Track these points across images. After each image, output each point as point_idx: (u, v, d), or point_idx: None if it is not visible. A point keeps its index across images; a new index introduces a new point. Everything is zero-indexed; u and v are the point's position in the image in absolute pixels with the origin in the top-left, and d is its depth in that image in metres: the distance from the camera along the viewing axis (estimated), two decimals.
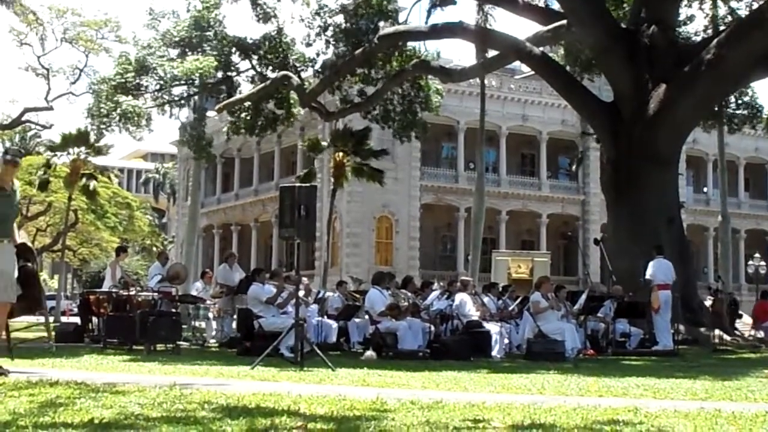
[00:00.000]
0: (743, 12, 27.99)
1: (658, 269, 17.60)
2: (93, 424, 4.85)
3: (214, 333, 19.02)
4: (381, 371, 9.97)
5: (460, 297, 16.20)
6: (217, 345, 17.88)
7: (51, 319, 20.19)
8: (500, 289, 19.43)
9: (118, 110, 29.15)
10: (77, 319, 19.96)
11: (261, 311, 14.62)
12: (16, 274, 8.76)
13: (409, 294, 16.67)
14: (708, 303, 24.02)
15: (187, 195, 58.52)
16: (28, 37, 39.61)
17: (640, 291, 18.15)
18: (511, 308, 17.40)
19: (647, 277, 17.52)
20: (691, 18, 30.52)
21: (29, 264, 9.45)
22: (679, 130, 23.66)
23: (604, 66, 25.24)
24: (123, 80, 29.68)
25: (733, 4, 29.69)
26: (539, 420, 5.33)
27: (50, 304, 58.00)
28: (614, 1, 27.53)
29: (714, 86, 23.12)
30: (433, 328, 15.31)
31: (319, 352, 10.90)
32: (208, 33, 31.28)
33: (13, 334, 22.22)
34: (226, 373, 9.41)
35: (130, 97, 29.59)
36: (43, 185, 45.91)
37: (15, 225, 9.08)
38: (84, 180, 44.23)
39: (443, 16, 69.26)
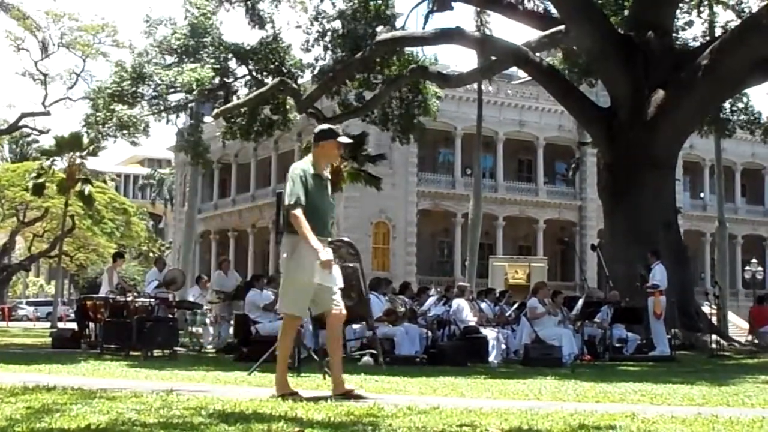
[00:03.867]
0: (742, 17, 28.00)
1: (663, 275, 17.61)
2: (89, 429, 4.84)
3: (211, 339, 19.02)
4: (378, 377, 9.96)
5: (457, 302, 16.21)
6: (214, 351, 17.87)
7: (47, 324, 20.16)
8: (497, 294, 19.44)
9: (115, 119, 29.15)
10: (74, 325, 19.94)
11: (258, 317, 14.66)
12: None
13: (406, 299, 16.66)
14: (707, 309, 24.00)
15: (184, 200, 58.56)
16: (25, 42, 39.68)
17: (637, 296, 18.17)
18: (508, 314, 17.39)
19: (656, 282, 17.51)
20: (689, 24, 30.58)
21: (350, 264, 8.10)
22: (676, 135, 23.71)
23: (602, 71, 25.30)
24: (119, 89, 29.67)
25: (731, 13, 29.74)
26: (536, 425, 5.33)
27: (47, 309, 58.16)
28: (612, 6, 27.58)
29: (711, 91, 23.19)
30: (430, 333, 15.30)
31: (316, 357, 10.89)
32: (205, 39, 31.26)
33: (11, 340, 22.16)
34: (222, 379, 9.41)
35: (126, 106, 29.58)
36: (38, 190, 45.93)
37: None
38: (80, 185, 44.31)
39: (440, 21, 69.43)
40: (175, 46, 30.80)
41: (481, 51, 30.35)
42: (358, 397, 6.79)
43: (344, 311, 7.17)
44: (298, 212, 7.15)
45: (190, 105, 32.67)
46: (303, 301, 7.18)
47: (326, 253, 7.00)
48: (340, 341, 7.47)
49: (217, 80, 30.63)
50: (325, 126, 7.50)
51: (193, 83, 28.32)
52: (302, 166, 7.35)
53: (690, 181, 65.69)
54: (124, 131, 29.34)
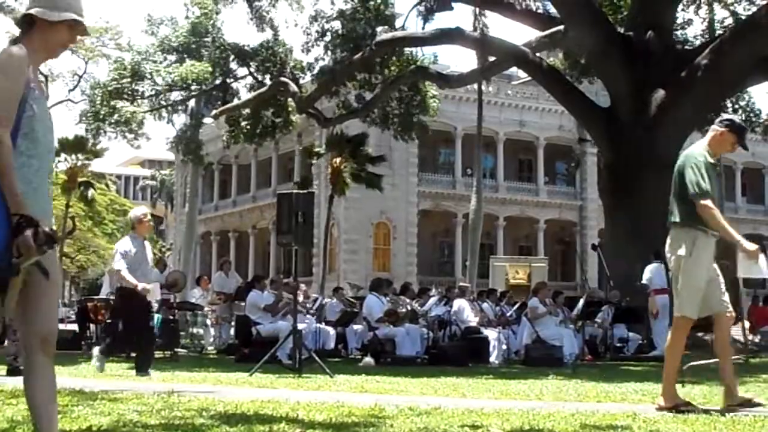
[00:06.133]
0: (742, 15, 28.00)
1: (655, 274, 17.61)
2: (91, 431, 4.84)
3: (212, 340, 19.03)
4: (379, 378, 9.97)
5: (459, 303, 16.23)
6: (215, 352, 17.89)
7: None
8: (498, 295, 19.44)
9: (115, 116, 29.13)
10: (75, 327, 19.95)
11: (259, 318, 14.65)
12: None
13: (407, 300, 16.68)
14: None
15: (184, 202, 58.49)
16: None
17: (637, 296, 18.17)
18: (509, 314, 17.40)
19: (644, 281, 17.54)
20: (689, 22, 30.57)
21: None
22: (676, 134, 23.66)
23: (602, 71, 25.27)
24: (119, 85, 29.67)
25: (729, 10, 29.72)
26: (538, 426, 5.33)
27: None
28: (611, 5, 27.57)
29: (712, 90, 23.15)
30: (431, 334, 15.32)
31: (317, 358, 10.90)
32: (206, 39, 31.29)
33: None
34: (224, 380, 9.42)
35: (126, 103, 29.57)
36: None
37: None
38: (81, 187, 44.32)
39: (439, 21, 69.52)
40: (176, 45, 30.84)
41: (480, 51, 30.30)
42: (757, 405, 6.33)
43: (733, 313, 6.70)
44: (710, 203, 6.60)
45: (188, 103, 32.70)
46: (698, 301, 6.61)
47: (750, 243, 6.64)
48: (729, 346, 6.87)
49: (218, 80, 30.68)
50: (735, 117, 6.98)
51: (190, 77, 28.32)
52: (702, 151, 6.82)
53: None
54: (122, 127, 29.32)
